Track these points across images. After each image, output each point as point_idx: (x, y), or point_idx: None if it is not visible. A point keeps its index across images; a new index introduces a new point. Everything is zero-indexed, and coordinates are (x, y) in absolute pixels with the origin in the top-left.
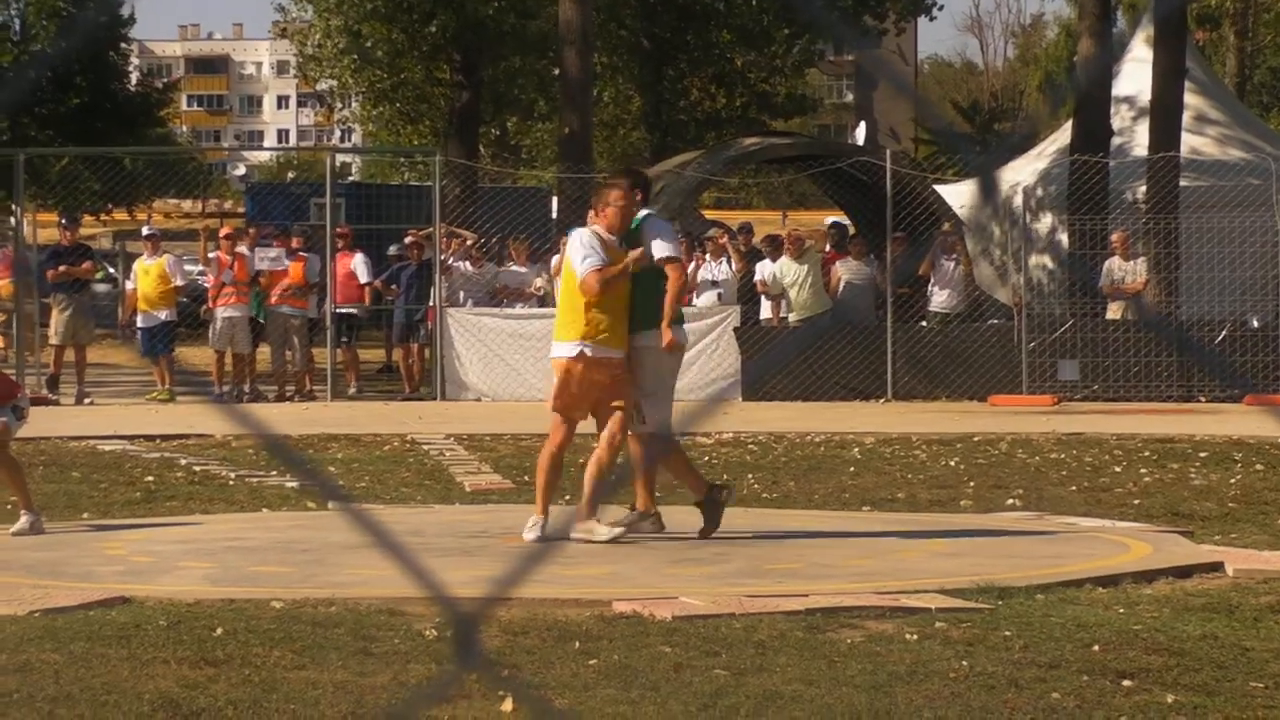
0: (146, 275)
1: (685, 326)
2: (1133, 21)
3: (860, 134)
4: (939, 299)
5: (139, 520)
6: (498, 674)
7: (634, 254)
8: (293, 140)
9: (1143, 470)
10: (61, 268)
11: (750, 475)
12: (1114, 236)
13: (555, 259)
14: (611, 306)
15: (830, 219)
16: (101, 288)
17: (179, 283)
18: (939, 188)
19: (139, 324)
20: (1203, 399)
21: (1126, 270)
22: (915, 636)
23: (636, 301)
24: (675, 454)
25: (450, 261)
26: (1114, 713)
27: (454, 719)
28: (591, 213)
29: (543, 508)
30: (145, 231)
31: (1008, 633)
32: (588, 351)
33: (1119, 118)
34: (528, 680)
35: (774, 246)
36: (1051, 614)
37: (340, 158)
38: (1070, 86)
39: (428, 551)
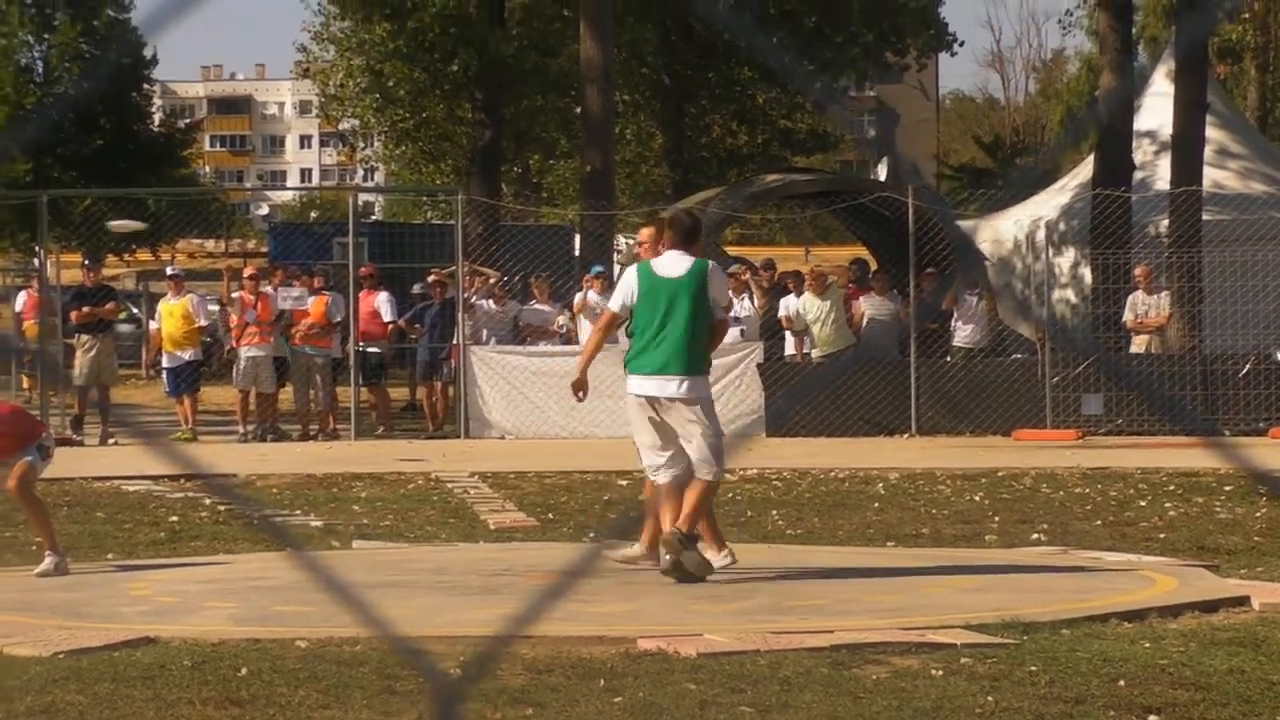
0: (171, 315)
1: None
2: (1154, 56)
3: (882, 170)
4: (962, 334)
5: (164, 560)
6: None
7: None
8: (315, 180)
9: (1168, 504)
10: (85, 308)
11: (774, 511)
12: (1137, 270)
13: (578, 297)
14: None
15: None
16: (125, 328)
17: (203, 323)
18: (962, 223)
19: (164, 364)
20: (1227, 433)
21: (1150, 304)
22: (941, 672)
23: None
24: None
25: (473, 300)
26: None
27: None
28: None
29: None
30: (169, 271)
31: (1033, 668)
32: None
33: (1141, 152)
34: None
35: (799, 282)
36: (1077, 649)
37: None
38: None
39: (451, 590)
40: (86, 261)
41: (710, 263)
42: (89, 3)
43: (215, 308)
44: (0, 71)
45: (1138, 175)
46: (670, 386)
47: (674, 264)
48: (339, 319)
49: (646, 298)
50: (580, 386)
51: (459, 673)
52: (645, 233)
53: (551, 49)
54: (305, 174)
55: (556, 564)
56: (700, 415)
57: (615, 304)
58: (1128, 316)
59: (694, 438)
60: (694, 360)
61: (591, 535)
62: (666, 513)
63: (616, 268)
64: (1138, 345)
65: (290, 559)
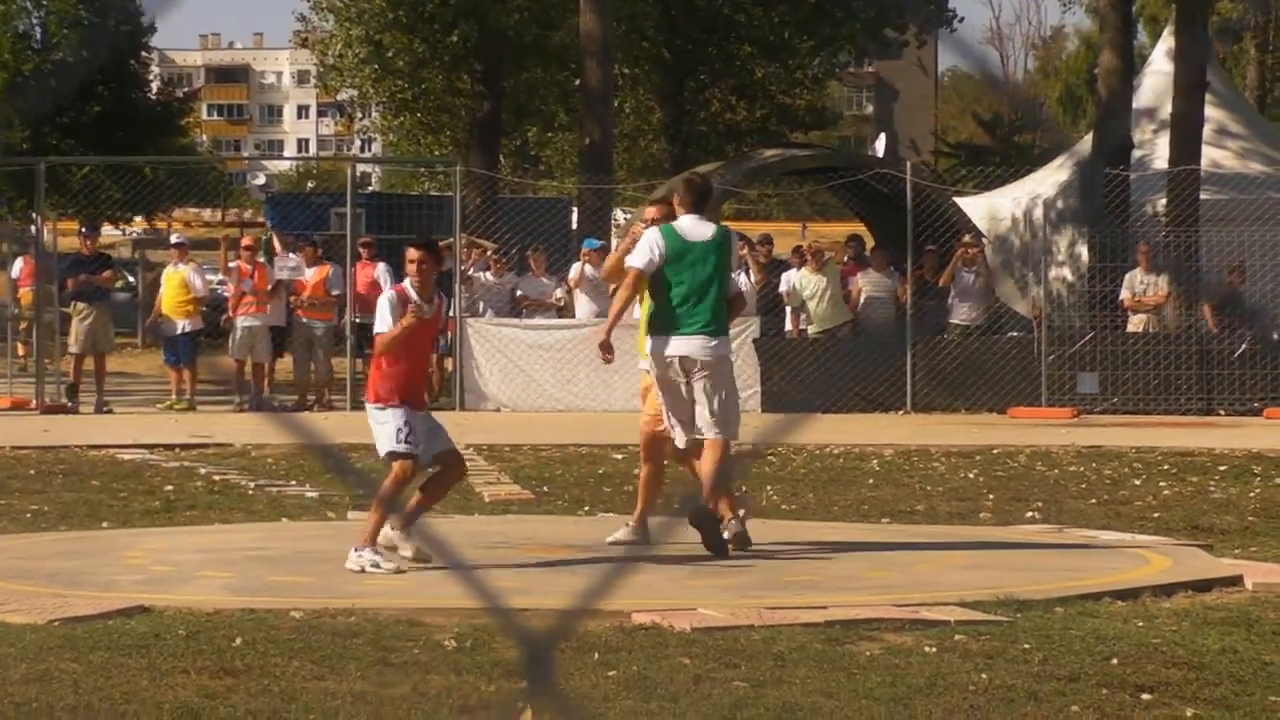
0: (170, 283)
1: None
2: (1153, 34)
3: (880, 146)
4: (959, 311)
5: (158, 529)
6: (565, 703)
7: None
8: (313, 150)
9: (1162, 484)
10: (82, 276)
11: (769, 487)
12: (1140, 247)
13: (574, 269)
14: None
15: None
16: (121, 296)
17: (200, 293)
18: (959, 200)
19: (163, 332)
20: (1222, 412)
21: (1148, 283)
22: (934, 649)
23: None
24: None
25: (470, 272)
26: None
27: None
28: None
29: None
30: (174, 239)
31: (1027, 645)
32: None
33: (1139, 131)
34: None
35: (800, 257)
36: (1071, 627)
37: (360, 168)
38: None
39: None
40: (84, 229)
41: (730, 230)
42: None
43: (213, 277)
44: None
45: (1136, 154)
46: (710, 346)
47: (698, 228)
48: (338, 292)
49: (677, 259)
50: (607, 349)
51: (455, 645)
52: (652, 211)
53: (551, 21)
54: (303, 144)
55: (551, 537)
56: (729, 376)
57: (641, 261)
58: (1125, 294)
59: (716, 399)
60: (725, 322)
61: (586, 509)
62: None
63: (614, 241)
64: (1135, 324)
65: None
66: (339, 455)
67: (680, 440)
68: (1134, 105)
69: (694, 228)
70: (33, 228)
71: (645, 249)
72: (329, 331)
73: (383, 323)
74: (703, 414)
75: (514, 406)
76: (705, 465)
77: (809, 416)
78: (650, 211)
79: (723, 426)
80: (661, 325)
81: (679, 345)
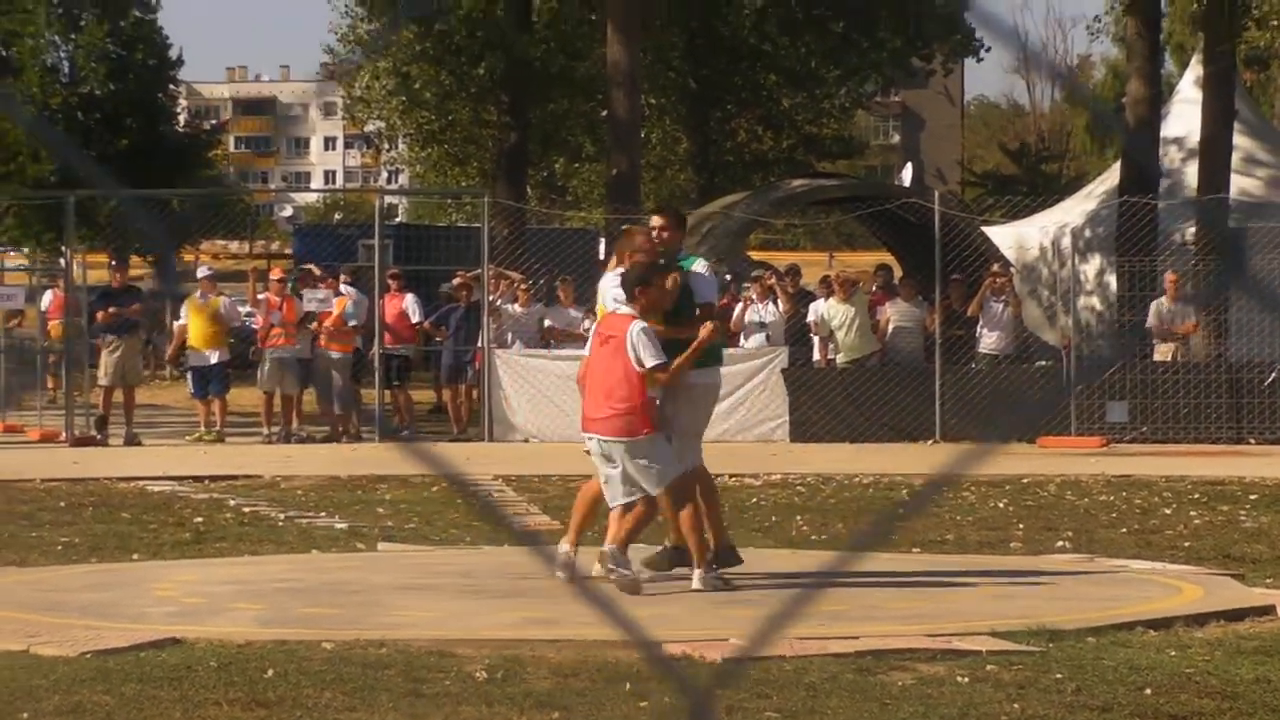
0: (199, 316)
1: (733, 368)
2: (1181, 63)
3: (907, 175)
4: (988, 340)
5: (189, 561)
6: None
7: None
8: (339, 182)
9: (1193, 513)
10: (111, 309)
11: (799, 517)
12: (1168, 276)
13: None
14: None
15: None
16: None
17: (235, 324)
18: (986, 229)
19: (190, 364)
20: (1253, 441)
21: (1175, 311)
22: (966, 679)
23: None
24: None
25: (498, 303)
26: None
27: None
28: (615, 259)
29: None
30: (201, 273)
31: (1059, 675)
32: None
33: (1168, 159)
34: None
35: (827, 287)
36: (1103, 657)
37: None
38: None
39: (478, 593)
40: (113, 262)
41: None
42: (116, 3)
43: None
44: (26, 71)
45: (1164, 182)
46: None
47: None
48: (354, 324)
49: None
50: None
51: (486, 676)
52: (658, 221)
53: (578, 52)
54: (329, 176)
55: (580, 568)
56: None
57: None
58: (1152, 322)
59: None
60: None
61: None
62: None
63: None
64: (1162, 353)
65: (540, 562)
66: (471, 487)
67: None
68: (1162, 133)
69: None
70: (61, 261)
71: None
72: (346, 362)
73: (658, 354)
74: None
75: (543, 437)
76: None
77: (991, 447)
78: (656, 220)
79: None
80: (712, 356)
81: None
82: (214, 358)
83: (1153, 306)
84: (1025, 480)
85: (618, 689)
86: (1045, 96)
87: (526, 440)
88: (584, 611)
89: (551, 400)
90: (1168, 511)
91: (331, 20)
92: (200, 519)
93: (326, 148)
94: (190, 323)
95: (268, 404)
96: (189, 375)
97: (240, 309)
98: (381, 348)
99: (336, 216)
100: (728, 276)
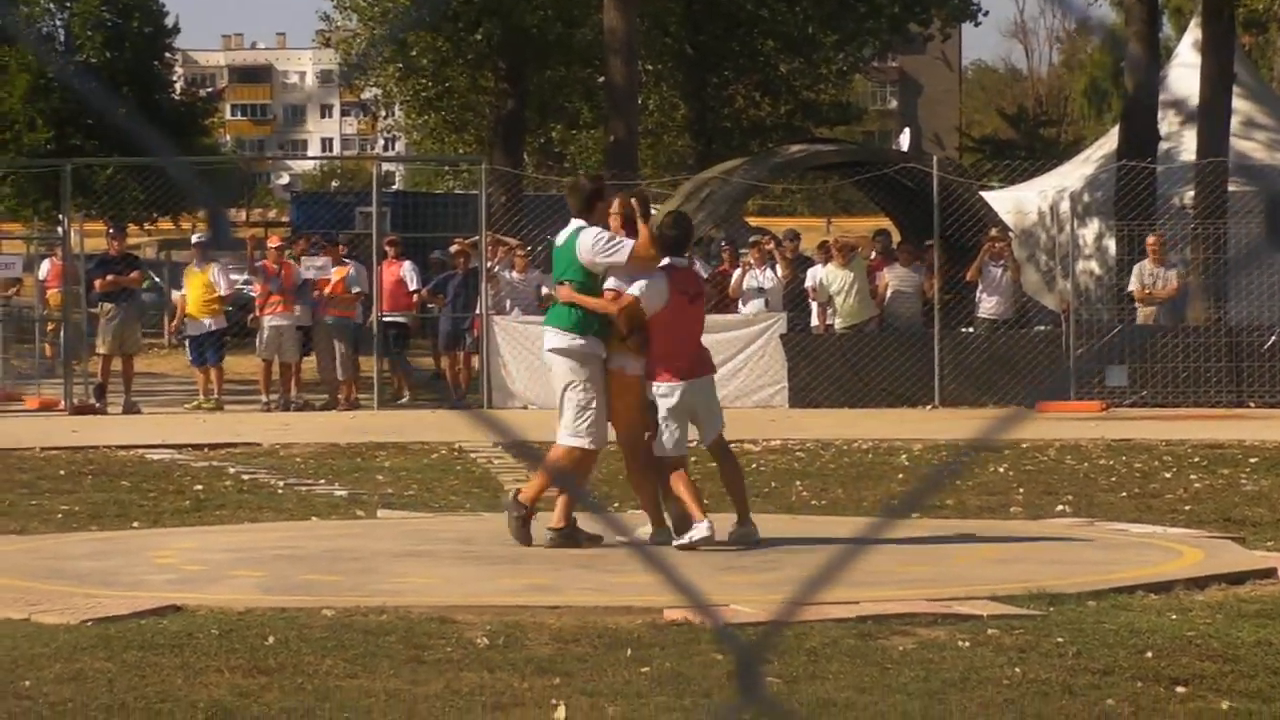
0: (194, 284)
1: (731, 334)
2: (1179, 26)
3: (905, 141)
4: (987, 305)
5: (189, 529)
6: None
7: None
8: (336, 149)
9: (1193, 476)
10: (109, 277)
11: (798, 482)
12: (1149, 239)
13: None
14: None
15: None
16: (147, 297)
17: (224, 292)
18: (985, 194)
19: (188, 333)
20: (1253, 404)
21: (1157, 275)
22: (967, 643)
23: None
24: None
25: (496, 270)
26: (1168, 719)
27: None
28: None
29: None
30: (194, 239)
31: (1060, 639)
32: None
33: (1166, 123)
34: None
35: (826, 253)
36: (1104, 620)
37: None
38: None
39: (478, 560)
40: (111, 230)
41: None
42: None
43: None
44: (21, 40)
45: (1163, 146)
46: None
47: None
48: (357, 289)
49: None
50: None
51: (487, 642)
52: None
53: (575, 19)
54: (326, 143)
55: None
56: None
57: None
58: (1134, 286)
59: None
60: None
61: (615, 506)
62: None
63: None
64: (1144, 317)
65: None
66: (535, 451)
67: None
68: (1160, 97)
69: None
70: (59, 229)
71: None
72: (351, 329)
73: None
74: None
75: (542, 404)
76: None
77: (1025, 413)
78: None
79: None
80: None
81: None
82: (210, 325)
83: (1135, 269)
84: (1025, 445)
85: (618, 654)
86: (1043, 61)
87: (525, 407)
88: (583, 578)
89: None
90: (1168, 475)
91: None
92: (200, 487)
93: (323, 115)
94: (187, 291)
95: (266, 371)
96: (186, 343)
97: (235, 276)
98: (380, 315)
99: (334, 184)
100: (724, 242)
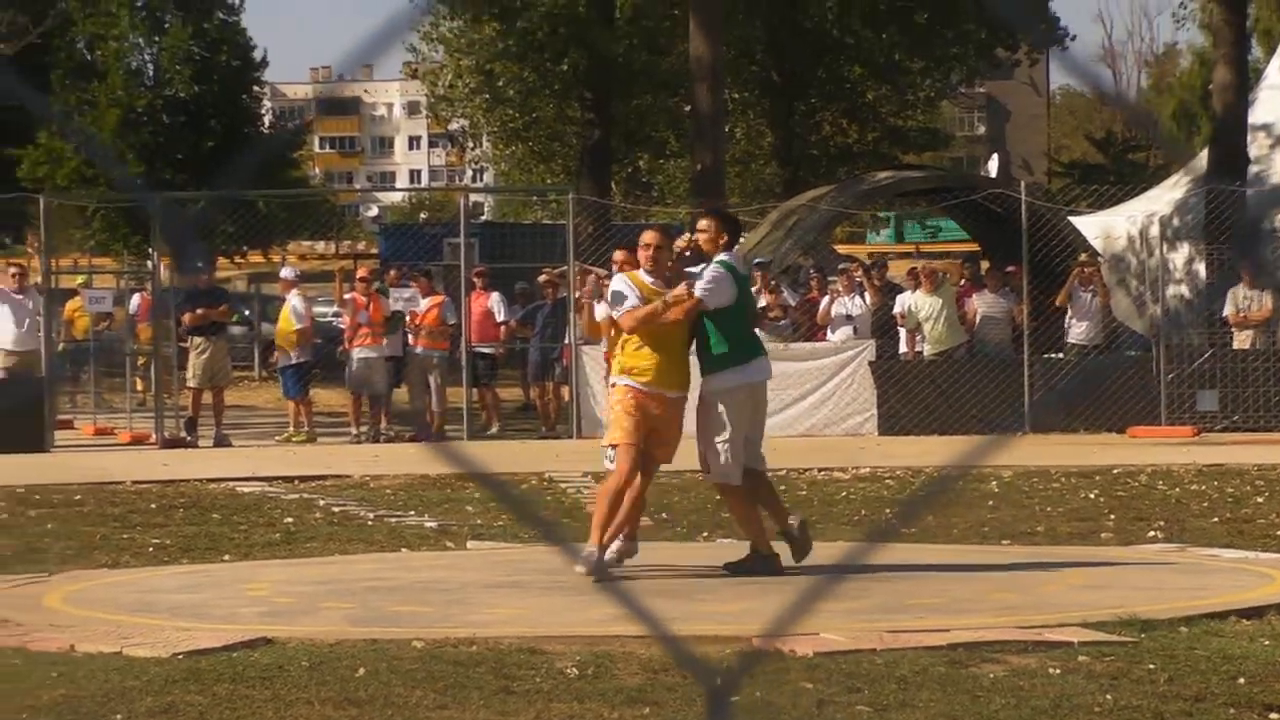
0: (281, 316)
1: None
2: (1268, 49)
3: (993, 166)
4: (1076, 331)
5: (279, 561)
6: None
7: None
8: (424, 181)
9: None
10: (198, 310)
11: (889, 510)
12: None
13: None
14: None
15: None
16: (237, 330)
17: (300, 325)
18: (1074, 219)
19: (280, 364)
20: None
21: (1252, 298)
22: (1058, 670)
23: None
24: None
25: (585, 300)
26: None
27: None
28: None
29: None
30: (283, 273)
31: (1152, 666)
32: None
33: (1256, 146)
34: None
35: (914, 279)
36: (1196, 646)
37: (473, 197)
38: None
39: (567, 590)
40: (200, 264)
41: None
42: (199, 5)
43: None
44: (111, 75)
45: (1252, 169)
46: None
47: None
48: (454, 321)
49: (744, 294)
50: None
51: (577, 672)
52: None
53: (661, 47)
54: (414, 175)
55: (669, 563)
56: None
57: (729, 298)
58: (1229, 310)
59: (761, 425)
60: None
61: (705, 535)
62: (763, 510)
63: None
64: (1241, 341)
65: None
66: (501, 484)
67: (739, 477)
68: (1249, 120)
69: (739, 262)
70: (149, 263)
71: (724, 287)
72: (444, 361)
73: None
74: (758, 441)
75: None
76: (769, 491)
77: (1008, 438)
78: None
79: (761, 457)
80: (744, 353)
81: (763, 367)
82: (294, 358)
83: (1229, 294)
84: (1116, 470)
85: (708, 684)
86: (1131, 86)
87: None
88: (672, 607)
89: None
90: (1260, 500)
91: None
92: (290, 519)
93: (411, 147)
94: (279, 324)
95: (355, 403)
96: (280, 375)
97: (321, 309)
98: (469, 346)
99: (422, 216)
100: (812, 269)
